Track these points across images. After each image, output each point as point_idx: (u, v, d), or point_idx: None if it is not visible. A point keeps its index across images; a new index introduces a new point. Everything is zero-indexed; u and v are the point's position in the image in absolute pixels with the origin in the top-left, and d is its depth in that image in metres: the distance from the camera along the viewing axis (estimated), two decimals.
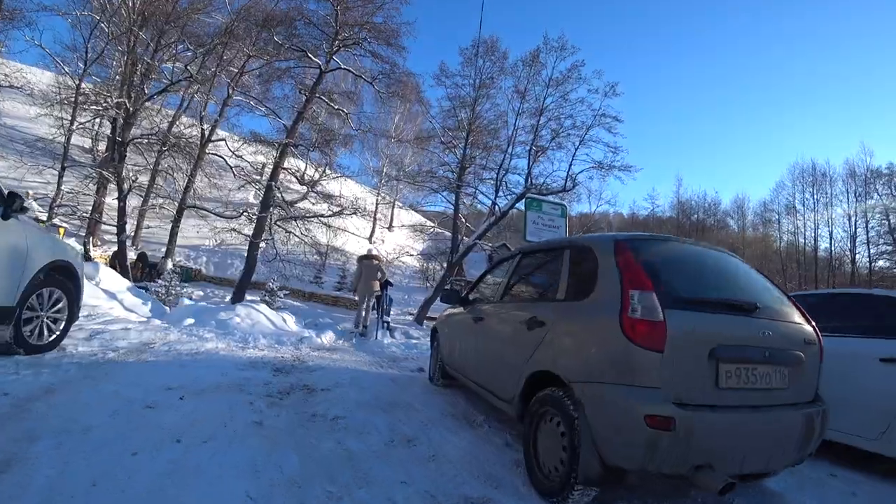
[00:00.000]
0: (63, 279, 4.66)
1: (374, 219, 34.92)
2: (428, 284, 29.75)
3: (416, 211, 33.47)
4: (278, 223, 15.36)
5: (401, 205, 36.93)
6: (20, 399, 3.18)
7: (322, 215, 15.76)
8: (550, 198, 12.32)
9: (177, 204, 20.39)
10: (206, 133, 20.66)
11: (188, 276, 21.53)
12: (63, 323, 4.72)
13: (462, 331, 4.71)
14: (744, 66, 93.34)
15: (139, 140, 25.38)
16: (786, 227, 39.09)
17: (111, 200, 23.80)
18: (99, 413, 3.11)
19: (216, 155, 21.46)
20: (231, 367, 5.17)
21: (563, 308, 3.00)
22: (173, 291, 10.81)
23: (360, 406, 4.16)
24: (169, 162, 23.45)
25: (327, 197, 16.30)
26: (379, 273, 10.71)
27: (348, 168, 18.82)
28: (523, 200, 12.64)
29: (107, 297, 7.90)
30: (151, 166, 24.09)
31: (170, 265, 20.75)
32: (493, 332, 3.96)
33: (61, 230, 19.42)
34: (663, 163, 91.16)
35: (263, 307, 9.64)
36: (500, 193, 15.97)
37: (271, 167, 16.78)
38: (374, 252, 12.58)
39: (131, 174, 14.70)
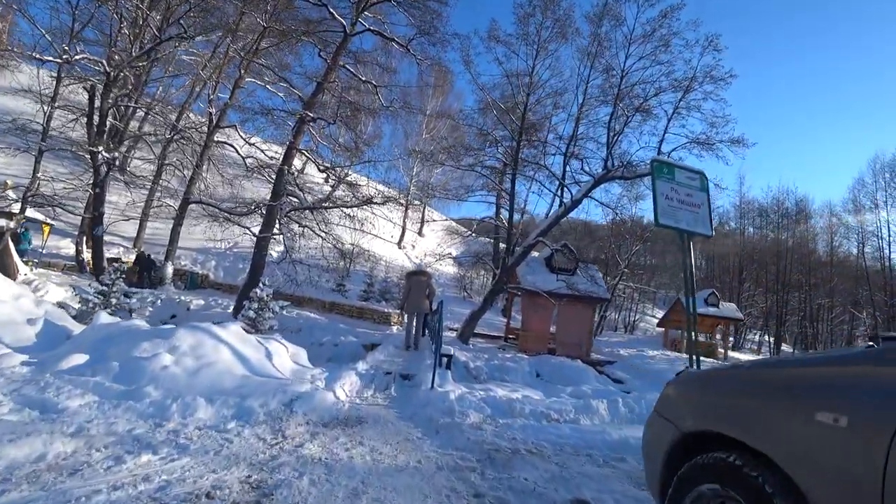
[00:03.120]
0: None
1: (404, 223, 32.25)
2: (465, 294, 26.45)
3: (452, 221, 30.33)
4: (290, 215, 12.27)
5: (432, 210, 34.01)
6: None
7: (346, 205, 12.62)
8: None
9: (179, 200, 17.72)
10: (215, 118, 17.97)
11: (194, 282, 18.81)
12: None
13: None
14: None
15: (147, 135, 23.30)
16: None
17: (117, 198, 21.56)
18: None
19: (225, 143, 18.76)
20: None
21: None
22: (115, 299, 7.64)
23: None
24: (179, 156, 21.19)
25: (351, 186, 13.17)
26: (427, 290, 9.79)
27: (374, 166, 14.93)
28: (581, 196, 9.17)
29: None
30: (157, 159, 21.79)
31: (170, 269, 18.13)
32: None
33: (45, 228, 16.94)
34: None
35: (232, 332, 5.83)
36: (568, 179, 12.58)
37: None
38: (424, 268, 11.61)
39: (112, 153, 11.72)
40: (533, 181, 14.47)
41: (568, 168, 12.62)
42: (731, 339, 27.67)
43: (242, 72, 17.40)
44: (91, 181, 12.81)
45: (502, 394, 5.95)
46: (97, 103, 12.15)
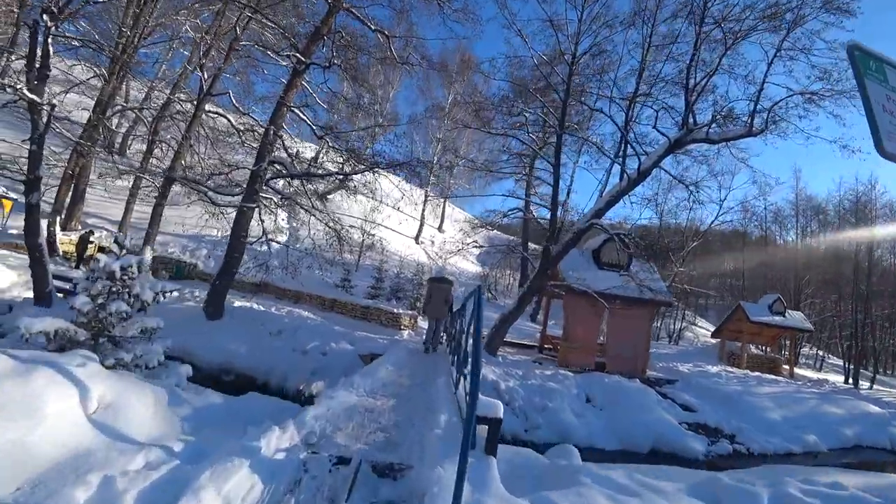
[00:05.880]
0: None
1: (422, 217, 29.80)
2: (489, 295, 23.55)
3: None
4: (271, 184, 9.62)
5: (453, 207, 31.36)
6: None
7: (341, 174, 9.92)
8: None
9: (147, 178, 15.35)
10: (206, 84, 15.59)
11: (180, 271, 16.43)
12: None
13: None
14: None
15: (136, 109, 21.12)
16: None
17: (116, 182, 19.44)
18: None
19: (219, 113, 16.37)
20: None
21: None
22: None
23: None
24: (173, 134, 19.01)
25: (352, 153, 10.43)
26: (447, 297, 9.29)
27: (387, 156, 11.95)
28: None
29: None
30: (149, 135, 19.58)
31: (148, 255, 15.67)
32: None
33: (7, 203, 14.75)
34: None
35: None
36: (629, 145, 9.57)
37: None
38: (446, 274, 10.60)
39: (53, 100, 9.25)
40: (580, 154, 11.47)
41: (631, 127, 9.60)
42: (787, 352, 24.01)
43: (239, 31, 14.91)
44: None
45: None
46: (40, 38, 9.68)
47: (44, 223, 15.48)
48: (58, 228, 15.21)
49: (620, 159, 9.68)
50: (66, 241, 15.45)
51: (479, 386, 2.49)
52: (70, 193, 17.01)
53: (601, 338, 12.69)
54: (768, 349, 22.22)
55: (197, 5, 18.50)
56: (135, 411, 3.73)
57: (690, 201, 13.33)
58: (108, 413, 3.55)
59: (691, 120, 9.03)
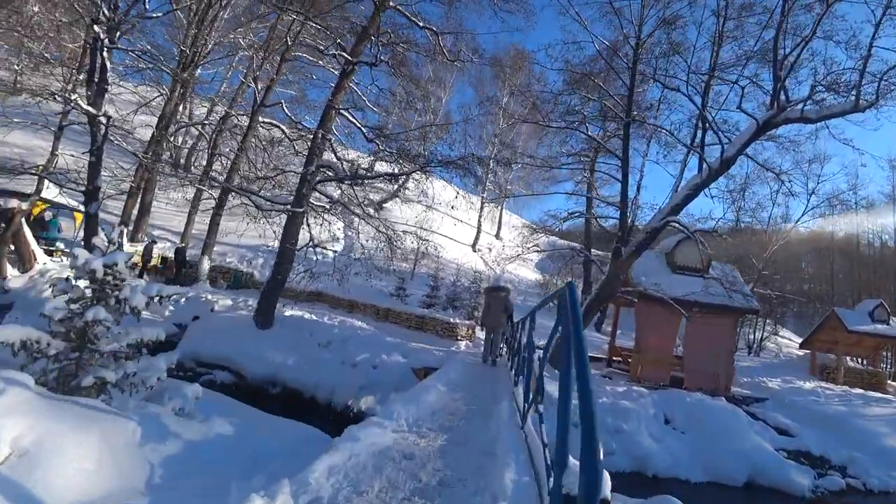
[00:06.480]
0: None
1: (479, 224, 29.20)
2: (552, 304, 22.42)
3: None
4: (319, 187, 9.29)
5: (510, 213, 30.56)
6: None
7: (390, 174, 9.44)
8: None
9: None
10: (259, 95, 15.78)
11: (238, 280, 16.65)
12: None
13: None
14: None
15: (196, 124, 21.94)
16: None
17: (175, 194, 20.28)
18: None
19: (272, 123, 16.56)
20: None
21: None
22: (115, 293, 4.42)
23: None
24: (231, 146, 19.55)
25: (402, 153, 9.93)
26: (505, 306, 8.88)
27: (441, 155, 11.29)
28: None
29: None
30: (208, 148, 20.27)
31: (206, 264, 16.07)
32: None
33: (78, 216, 15.44)
34: None
35: None
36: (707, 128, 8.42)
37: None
38: (504, 284, 10.16)
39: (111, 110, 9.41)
40: (649, 144, 10.39)
41: (708, 106, 8.42)
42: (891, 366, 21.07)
43: (290, 43, 15.01)
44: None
45: None
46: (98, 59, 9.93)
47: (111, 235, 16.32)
48: (125, 239, 15.84)
49: (699, 148, 8.54)
50: (133, 251, 16.03)
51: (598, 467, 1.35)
52: (137, 206, 17.78)
53: (678, 349, 11.40)
54: (867, 362, 19.62)
55: (252, 23, 19.08)
56: (66, 460, 2.75)
57: (779, 193, 11.73)
58: (20, 465, 2.57)
59: (783, 97, 7.78)
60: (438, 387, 4.98)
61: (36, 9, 9.61)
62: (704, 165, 8.31)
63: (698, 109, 8.38)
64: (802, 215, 20.76)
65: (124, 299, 3.99)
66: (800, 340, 23.96)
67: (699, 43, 9.11)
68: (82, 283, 4.01)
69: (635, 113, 9.52)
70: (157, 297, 4.33)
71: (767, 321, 28.89)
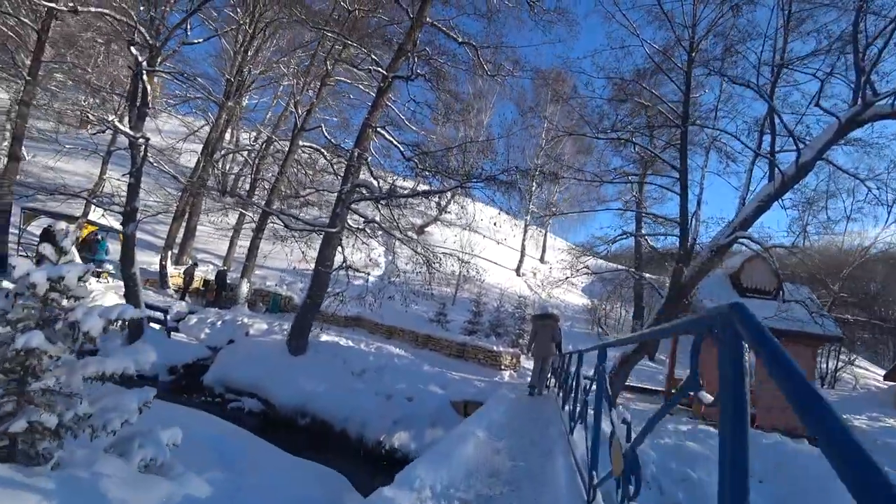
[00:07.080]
0: None
1: (522, 247, 28.42)
2: (599, 329, 21.18)
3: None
4: (355, 207, 8.93)
5: (554, 237, 29.66)
6: None
7: (427, 192, 8.97)
8: None
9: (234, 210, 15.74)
10: (300, 119, 15.93)
11: (276, 304, 16.56)
12: None
13: None
14: None
15: (240, 150, 22.58)
16: None
17: (219, 218, 20.78)
18: None
19: (312, 146, 16.68)
20: None
21: None
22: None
23: None
24: (273, 170, 19.91)
25: (440, 169, 9.49)
26: (553, 334, 8.47)
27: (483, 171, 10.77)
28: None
29: None
30: (251, 174, 20.75)
31: (245, 287, 16.07)
32: None
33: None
34: None
35: None
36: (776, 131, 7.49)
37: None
38: (552, 311, 9.85)
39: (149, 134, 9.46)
40: (707, 154, 9.48)
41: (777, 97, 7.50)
42: None
43: (330, 67, 15.08)
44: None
45: None
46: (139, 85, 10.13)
47: (157, 258, 16.68)
48: (169, 262, 16.14)
49: (769, 154, 7.59)
50: (176, 274, 16.28)
51: None
52: (182, 230, 18.22)
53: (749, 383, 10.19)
54: None
55: (296, 51, 19.58)
56: None
57: (862, 202, 10.45)
58: None
59: (868, 91, 6.80)
60: (478, 433, 4.22)
61: (88, 34, 9.95)
62: (777, 172, 7.36)
63: (768, 104, 7.44)
64: (884, 227, 18.74)
65: (75, 322, 3.10)
66: (881, 371, 21.63)
67: (768, 32, 8.22)
68: (20, 308, 3.16)
69: (696, 115, 8.69)
70: (119, 322, 3.41)
71: (842, 349, 26.22)
